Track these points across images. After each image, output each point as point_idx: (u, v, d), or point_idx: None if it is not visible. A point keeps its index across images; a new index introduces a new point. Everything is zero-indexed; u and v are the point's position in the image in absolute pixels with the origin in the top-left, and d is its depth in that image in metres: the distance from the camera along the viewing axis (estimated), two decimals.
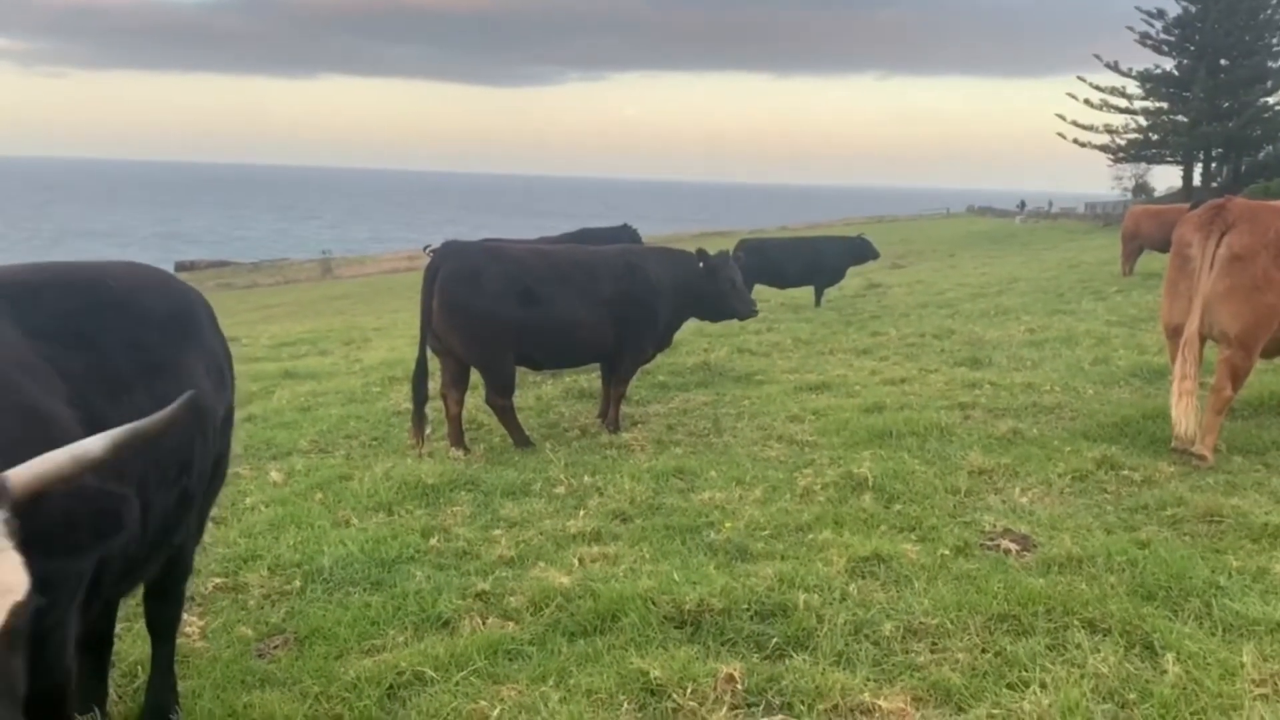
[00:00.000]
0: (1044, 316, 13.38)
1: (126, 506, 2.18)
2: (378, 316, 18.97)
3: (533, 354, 7.58)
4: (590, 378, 8.64)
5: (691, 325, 12.42)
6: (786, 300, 17.11)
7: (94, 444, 2.07)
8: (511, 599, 4.51)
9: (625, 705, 3.51)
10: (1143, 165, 56.18)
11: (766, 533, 5.28)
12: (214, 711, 3.45)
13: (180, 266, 46.55)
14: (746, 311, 8.69)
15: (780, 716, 3.43)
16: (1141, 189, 56.70)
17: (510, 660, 3.94)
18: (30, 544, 1.97)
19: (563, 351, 7.77)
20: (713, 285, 8.24)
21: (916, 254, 27.82)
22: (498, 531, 5.44)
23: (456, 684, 3.71)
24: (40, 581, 1.99)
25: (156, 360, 3.03)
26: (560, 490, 6.19)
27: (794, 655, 3.86)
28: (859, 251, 17.18)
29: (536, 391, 9.26)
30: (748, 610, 4.23)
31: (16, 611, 1.90)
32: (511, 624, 4.30)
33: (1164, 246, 9.18)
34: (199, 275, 42.57)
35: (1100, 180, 59.80)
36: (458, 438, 7.35)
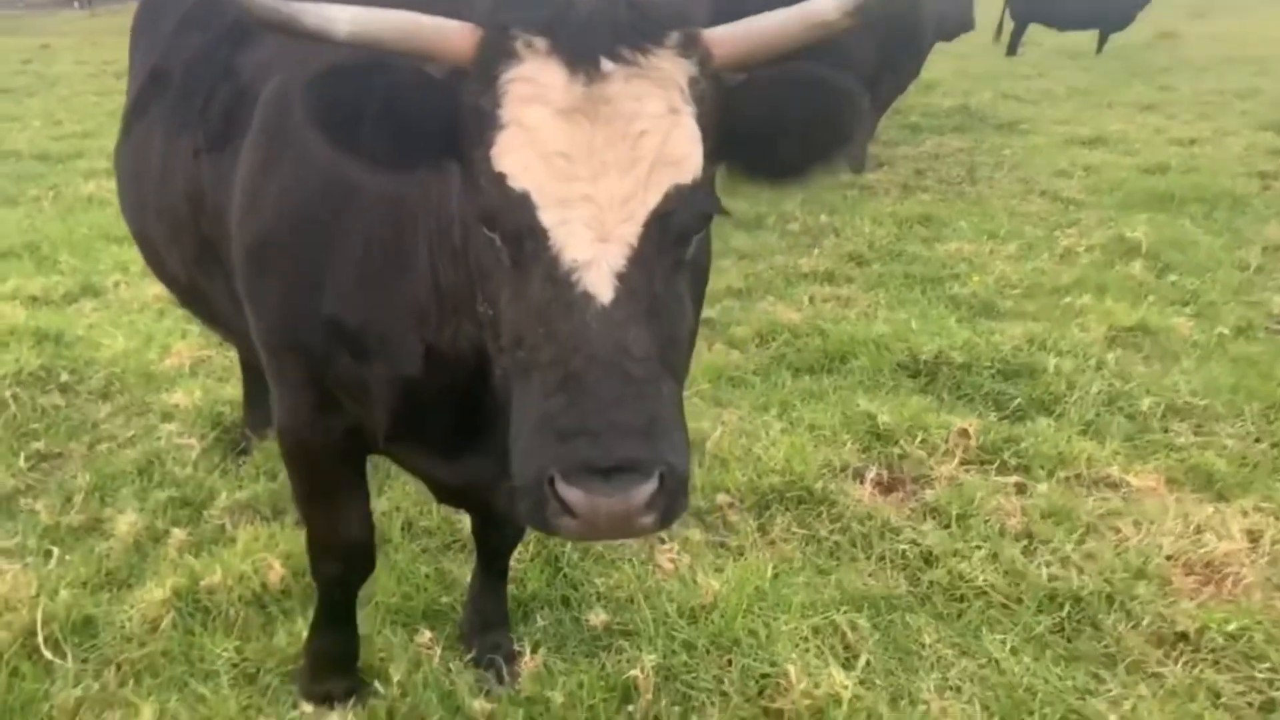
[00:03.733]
0: None
1: (853, 97, 1.51)
2: None
3: None
4: None
5: (952, 65, 11.36)
6: (1063, 44, 15.33)
7: (827, 4, 1.48)
8: (737, 329, 4.44)
9: (849, 445, 3.41)
10: None
11: (1018, 291, 4.89)
12: None
13: None
14: None
15: (1016, 478, 3.23)
16: None
17: (733, 387, 3.90)
18: (725, 121, 1.41)
19: None
20: (956, 10, 7.87)
21: (1223, 0, 24.05)
22: (727, 262, 5.31)
23: None
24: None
25: None
26: (794, 227, 5.95)
27: (1036, 419, 3.60)
28: None
29: None
30: (989, 368, 3.96)
31: (675, 196, 1.34)
32: (736, 352, 4.25)
33: None
34: None
35: None
36: None
